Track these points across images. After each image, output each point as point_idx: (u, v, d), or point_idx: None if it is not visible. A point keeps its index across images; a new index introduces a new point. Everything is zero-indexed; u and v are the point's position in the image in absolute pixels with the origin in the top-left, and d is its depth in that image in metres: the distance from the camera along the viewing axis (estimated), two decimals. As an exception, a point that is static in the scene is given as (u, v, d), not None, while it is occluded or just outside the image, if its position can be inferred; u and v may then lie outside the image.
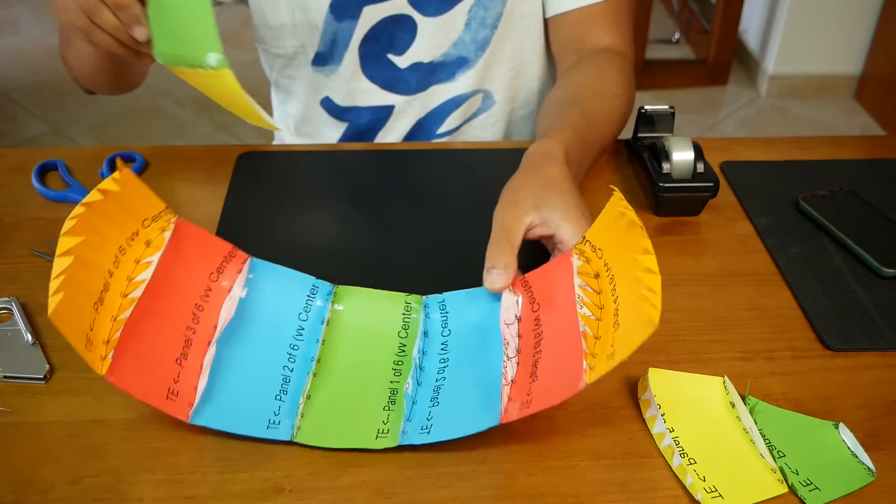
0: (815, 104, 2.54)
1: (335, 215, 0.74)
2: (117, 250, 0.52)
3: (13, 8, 2.94)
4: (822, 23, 2.43)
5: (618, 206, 0.52)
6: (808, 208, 0.74)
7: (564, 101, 0.76)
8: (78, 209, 0.50)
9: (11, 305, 0.62)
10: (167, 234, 0.55)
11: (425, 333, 0.58)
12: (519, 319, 0.56)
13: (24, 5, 2.96)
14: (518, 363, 0.54)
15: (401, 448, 0.53)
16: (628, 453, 0.54)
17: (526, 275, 0.58)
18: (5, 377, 0.57)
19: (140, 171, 0.79)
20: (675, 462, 0.52)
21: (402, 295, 0.59)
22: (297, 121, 0.96)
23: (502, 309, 0.57)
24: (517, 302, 0.57)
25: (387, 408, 0.55)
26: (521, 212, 0.60)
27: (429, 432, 0.53)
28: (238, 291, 0.57)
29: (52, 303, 0.47)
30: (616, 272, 0.52)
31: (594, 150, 0.75)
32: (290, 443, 0.53)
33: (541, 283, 0.57)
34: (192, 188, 0.77)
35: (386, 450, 0.53)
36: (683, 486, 0.51)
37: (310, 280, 0.59)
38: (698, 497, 0.50)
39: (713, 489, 0.50)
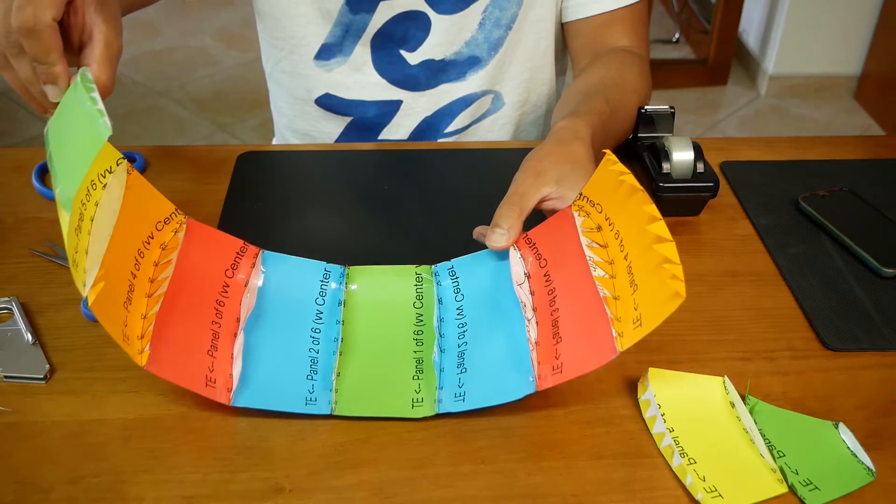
0: (815, 104, 2.53)
1: (336, 216, 0.74)
2: (136, 254, 0.54)
3: (13, 8, 2.94)
4: (822, 23, 2.43)
5: (613, 170, 0.54)
6: (808, 208, 0.74)
7: (589, 90, 0.76)
8: None
9: (11, 305, 0.62)
10: (180, 235, 0.57)
11: (440, 301, 0.60)
12: (528, 276, 0.58)
13: (24, 5, 2.96)
14: (537, 323, 0.56)
15: (401, 448, 0.53)
16: (628, 453, 0.54)
17: (528, 232, 0.59)
18: (5, 377, 0.57)
19: (140, 172, 0.79)
20: (675, 462, 0.52)
21: (411, 267, 0.61)
22: (289, 117, 0.96)
23: (512, 270, 0.58)
24: (522, 260, 0.58)
25: (416, 377, 0.57)
26: (540, 182, 0.61)
27: (463, 400, 0.55)
28: (255, 282, 0.59)
29: (92, 295, 0.49)
30: (623, 233, 0.53)
31: (612, 140, 0.76)
32: (330, 416, 0.55)
33: (545, 239, 0.58)
34: (192, 188, 0.77)
35: (386, 450, 0.53)
36: (683, 486, 0.51)
37: (321, 265, 0.60)
38: (698, 497, 0.50)
39: (713, 489, 0.50)
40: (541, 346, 0.55)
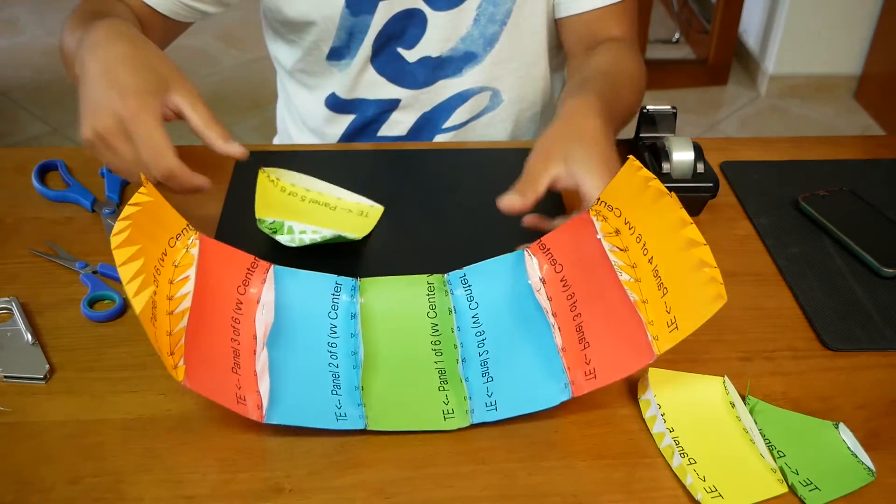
0: (815, 104, 2.53)
1: (335, 215, 0.74)
2: (154, 270, 0.53)
3: (13, 8, 2.94)
4: (822, 23, 2.43)
5: (638, 176, 0.54)
6: (808, 208, 0.74)
7: (588, 76, 0.77)
8: (121, 224, 0.50)
9: (11, 305, 0.62)
10: (193, 252, 0.56)
11: (454, 310, 0.59)
12: (543, 281, 0.58)
13: (23, 5, 2.96)
14: (560, 328, 0.56)
15: (401, 448, 0.53)
16: (628, 453, 0.54)
17: (542, 238, 0.59)
18: (5, 377, 0.57)
19: (140, 171, 0.79)
20: (675, 462, 0.52)
21: (423, 276, 0.61)
22: (304, 116, 0.96)
23: (528, 275, 0.58)
24: (537, 265, 0.58)
25: (441, 388, 0.56)
26: (548, 164, 0.62)
27: (496, 409, 0.55)
28: (269, 297, 0.58)
29: (138, 304, 0.49)
30: (647, 236, 0.53)
31: (617, 122, 0.76)
32: (364, 431, 0.54)
33: (559, 244, 0.58)
34: (192, 188, 0.77)
35: (386, 450, 0.53)
36: (683, 486, 0.51)
37: (332, 278, 0.60)
38: (698, 497, 0.50)
39: (713, 489, 0.50)
40: (567, 352, 0.55)
